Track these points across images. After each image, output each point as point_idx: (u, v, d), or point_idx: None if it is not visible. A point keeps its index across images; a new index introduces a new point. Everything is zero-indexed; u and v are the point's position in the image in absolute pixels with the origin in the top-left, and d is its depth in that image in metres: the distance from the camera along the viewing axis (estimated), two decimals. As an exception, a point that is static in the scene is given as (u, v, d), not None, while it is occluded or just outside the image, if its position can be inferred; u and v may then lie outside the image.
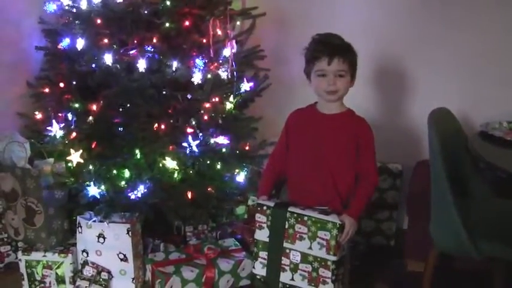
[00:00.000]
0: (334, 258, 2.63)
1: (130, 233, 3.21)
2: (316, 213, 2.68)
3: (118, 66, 3.12)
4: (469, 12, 3.71)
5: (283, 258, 2.76)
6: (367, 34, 3.91)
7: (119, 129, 3.25)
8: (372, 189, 2.85)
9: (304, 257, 2.70)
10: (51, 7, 3.33)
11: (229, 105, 3.41)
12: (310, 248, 2.68)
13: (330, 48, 2.73)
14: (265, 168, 3.14)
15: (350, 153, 2.82)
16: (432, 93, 3.83)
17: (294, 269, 2.73)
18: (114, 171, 3.22)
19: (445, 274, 3.27)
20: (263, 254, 2.82)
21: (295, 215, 2.71)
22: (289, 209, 2.74)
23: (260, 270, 2.84)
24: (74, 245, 3.35)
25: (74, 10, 3.29)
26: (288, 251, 2.74)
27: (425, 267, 3.01)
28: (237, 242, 3.64)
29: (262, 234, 2.82)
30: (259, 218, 2.82)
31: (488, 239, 2.67)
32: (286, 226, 2.74)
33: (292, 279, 2.74)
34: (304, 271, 2.70)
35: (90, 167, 3.18)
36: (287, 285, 2.76)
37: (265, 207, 2.81)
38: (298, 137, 2.94)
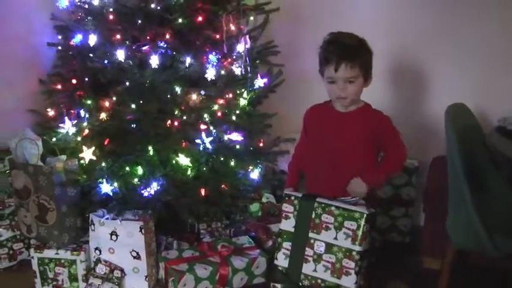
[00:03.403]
0: (359, 248, 2.65)
1: (143, 230, 3.19)
2: (344, 204, 2.72)
3: (130, 62, 3.09)
4: (485, 6, 3.66)
5: (307, 248, 2.78)
6: (381, 29, 3.89)
7: (132, 125, 3.22)
8: (396, 162, 2.93)
9: (329, 248, 2.72)
10: (63, 3, 3.29)
11: (243, 102, 3.38)
12: (335, 238, 2.70)
13: (338, 51, 2.74)
14: (291, 162, 3.21)
15: (366, 149, 2.86)
16: (448, 88, 3.79)
17: (318, 259, 2.74)
18: (127, 168, 3.19)
19: (461, 270, 3.22)
20: (287, 245, 2.85)
21: (322, 205, 2.75)
22: (317, 199, 2.78)
23: (283, 261, 2.87)
24: (87, 242, 3.34)
25: (86, 6, 3.26)
26: (312, 241, 2.77)
27: (442, 265, 2.98)
28: (251, 240, 3.61)
29: (287, 225, 2.85)
30: (286, 208, 2.85)
31: (506, 236, 2.63)
32: (313, 216, 2.77)
33: (315, 270, 2.75)
34: (328, 262, 2.71)
35: (103, 164, 3.17)
36: (309, 277, 2.77)
37: (293, 198, 2.84)
38: (315, 132, 3.01)
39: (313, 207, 2.77)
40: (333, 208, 2.72)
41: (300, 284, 2.81)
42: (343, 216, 2.69)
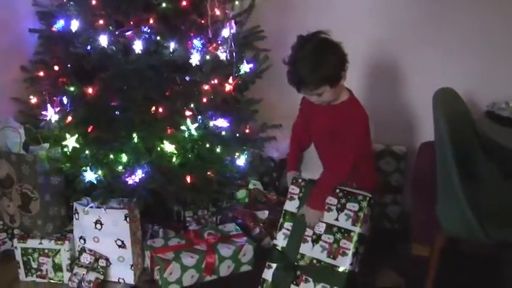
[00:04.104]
0: (359, 230, 2.77)
1: (128, 219, 3.15)
2: (349, 187, 2.88)
3: (114, 48, 3.05)
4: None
5: (307, 229, 2.90)
6: (370, 14, 3.87)
7: (116, 112, 3.19)
8: (329, 177, 2.94)
9: (329, 228, 2.84)
10: (45, -12, 3.25)
11: (228, 87, 3.33)
12: (336, 219, 2.83)
13: (293, 81, 2.79)
14: (290, 140, 3.27)
15: (330, 143, 2.96)
16: (436, 73, 3.76)
17: (316, 240, 2.85)
18: (112, 156, 3.15)
19: (452, 258, 3.21)
20: (288, 225, 2.97)
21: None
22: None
23: (282, 241, 2.97)
24: (71, 231, 3.31)
25: (69, -9, 3.21)
26: None
27: (431, 251, 2.97)
28: (237, 227, 3.60)
29: (291, 205, 2.98)
30: (293, 189, 3.01)
31: (497, 222, 2.62)
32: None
33: (312, 250, 2.84)
34: (326, 242, 2.82)
35: (87, 151, 3.13)
36: (305, 257, 2.86)
37: (300, 180, 3.01)
38: (305, 117, 3.12)
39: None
40: (337, 190, 2.85)
41: (296, 263, 2.88)
42: (347, 199, 2.81)
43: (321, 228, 2.84)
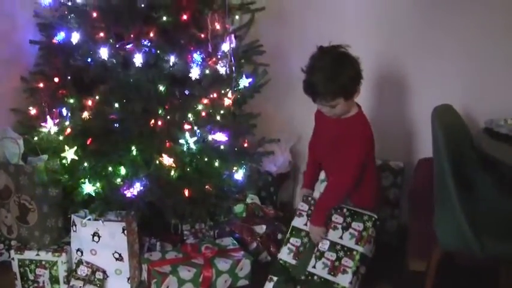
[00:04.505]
0: (361, 249, 2.79)
1: (126, 231, 3.15)
2: (356, 207, 2.92)
3: (114, 60, 3.06)
4: (472, 8, 3.65)
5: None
6: (368, 30, 3.89)
7: (115, 125, 3.18)
8: (329, 195, 2.97)
9: (332, 246, 2.87)
10: (46, 0, 3.25)
11: (227, 101, 3.34)
12: (341, 237, 2.87)
13: (309, 91, 2.82)
14: (308, 158, 3.29)
15: (331, 153, 2.99)
16: (434, 90, 3.77)
17: (319, 256, 2.88)
18: (110, 168, 3.15)
19: (448, 272, 3.21)
20: (294, 241, 3.01)
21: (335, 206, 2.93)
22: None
23: (285, 255, 3.01)
24: (68, 243, 3.29)
25: (69, 3, 3.21)
26: None
27: (428, 267, 2.97)
28: (235, 241, 3.59)
29: (299, 222, 3.05)
30: (302, 206, 3.08)
31: (493, 238, 2.63)
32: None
33: (314, 266, 2.87)
34: (328, 259, 2.84)
35: (85, 163, 3.13)
36: (306, 272, 2.88)
37: (310, 198, 3.08)
38: (316, 132, 3.16)
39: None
40: (344, 210, 2.88)
41: (296, 278, 2.90)
42: (352, 218, 2.84)
43: (325, 245, 2.86)
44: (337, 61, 2.77)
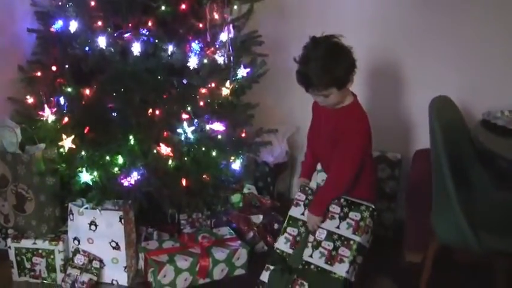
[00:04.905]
0: (359, 239, 2.76)
1: (123, 220, 3.15)
2: (353, 198, 2.87)
3: (112, 49, 3.05)
4: (472, 2, 3.64)
5: (310, 235, 2.91)
6: (366, 21, 3.89)
7: (113, 114, 3.19)
8: (329, 187, 2.93)
9: (329, 235, 2.84)
10: (44, -11, 3.25)
11: (225, 91, 3.34)
12: (338, 227, 2.84)
13: (302, 81, 2.78)
14: (306, 149, 3.25)
15: (332, 146, 2.91)
16: (431, 81, 3.77)
17: (316, 246, 2.86)
18: (107, 158, 3.16)
19: (445, 267, 3.22)
20: (291, 230, 2.98)
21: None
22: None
23: (282, 245, 2.97)
24: (65, 232, 3.30)
25: (68, -9, 3.20)
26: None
27: (424, 259, 2.98)
28: (232, 231, 3.60)
29: (297, 211, 3.00)
30: (299, 196, 3.03)
31: (490, 231, 2.63)
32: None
33: (311, 256, 2.85)
34: (325, 249, 2.83)
35: (83, 153, 3.13)
36: (303, 262, 2.86)
37: (307, 188, 3.02)
38: (314, 123, 3.11)
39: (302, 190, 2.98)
40: (342, 200, 2.87)
41: (292, 267, 2.89)
42: (350, 208, 2.82)
43: (322, 235, 2.85)
44: (330, 51, 2.76)
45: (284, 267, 2.89)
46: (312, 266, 2.82)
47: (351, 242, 2.76)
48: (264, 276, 2.97)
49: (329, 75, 2.71)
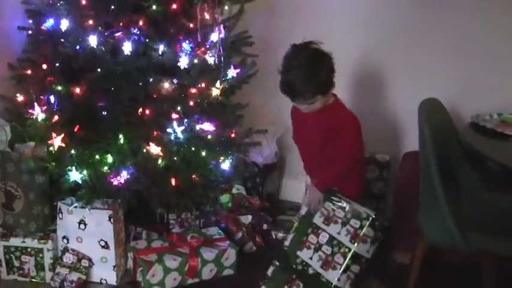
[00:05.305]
0: (355, 248, 2.78)
1: (112, 219, 3.15)
2: (357, 204, 2.90)
3: (103, 48, 3.05)
4: (460, 3, 3.66)
5: (313, 236, 2.96)
6: (354, 24, 3.92)
7: (103, 113, 3.18)
8: (340, 165, 2.97)
9: (330, 240, 2.88)
10: (35, -13, 3.24)
11: (215, 92, 3.34)
12: (339, 233, 2.87)
13: (286, 92, 2.83)
14: (299, 152, 3.32)
15: (324, 146, 2.98)
16: (421, 84, 3.78)
17: (317, 248, 2.90)
18: (97, 157, 3.14)
19: (432, 266, 3.23)
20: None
21: (336, 199, 2.96)
22: (336, 195, 2.96)
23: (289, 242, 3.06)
24: (54, 231, 3.29)
25: (58, -10, 3.20)
26: (320, 231, 2.95)
27: (412, 260, 2.98)
28: (220, 231, 3.60)
29: (320, 220, 3.01)
30: (328, 206, 3.00)
31: (477, 231, 2.64)
32: (329, 209, 2.97)
33: (311, 258, 2.90)
34: (324, 253, 2.87)
35: (72, 151, 3.12)
36: (303, 263, 2.91)
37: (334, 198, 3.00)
38: (295, 126, 3.18)
39: (329, 200, 2.97)
40: (344, 204, 2.91)
41: (294, 266, 2.94)
42: (352, 214, 2.84)
43: (324, 238, 2.88)
44: (311, 60, 2.78)
45: (287, 266, 2.91)
46: (310, 269, 2.84)
47: (346, 250, 2.78)
48: (270, 271, 3.05)
49: (313, 81, 2.74)
